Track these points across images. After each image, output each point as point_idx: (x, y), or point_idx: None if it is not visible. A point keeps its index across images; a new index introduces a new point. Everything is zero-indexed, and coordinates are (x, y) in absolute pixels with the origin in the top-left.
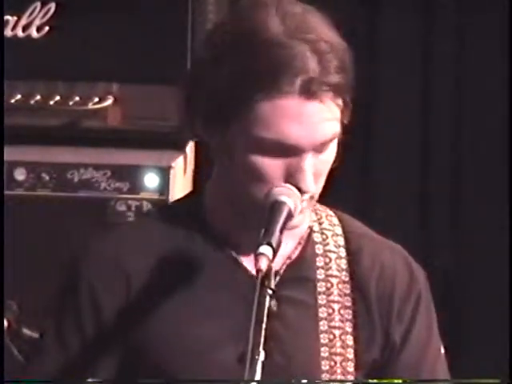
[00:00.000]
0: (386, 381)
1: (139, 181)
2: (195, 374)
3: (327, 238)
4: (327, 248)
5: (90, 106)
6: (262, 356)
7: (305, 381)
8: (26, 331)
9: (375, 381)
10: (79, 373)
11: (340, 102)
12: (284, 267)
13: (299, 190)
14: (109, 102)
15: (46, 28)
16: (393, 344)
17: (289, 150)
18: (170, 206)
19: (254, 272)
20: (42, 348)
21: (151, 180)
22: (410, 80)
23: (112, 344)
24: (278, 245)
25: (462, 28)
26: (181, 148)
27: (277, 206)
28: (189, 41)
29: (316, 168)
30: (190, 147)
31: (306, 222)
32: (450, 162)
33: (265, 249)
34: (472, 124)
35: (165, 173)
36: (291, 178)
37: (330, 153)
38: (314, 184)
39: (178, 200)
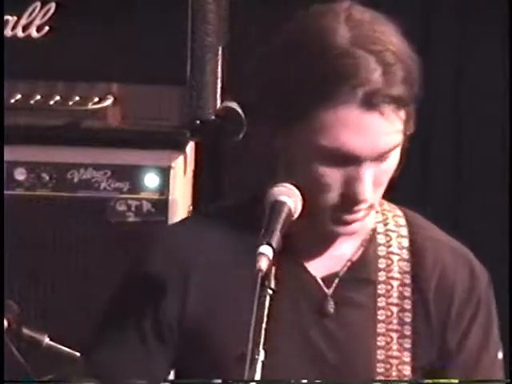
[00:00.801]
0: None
1: (139, 181)
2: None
3: (391, 239)
4: (390, 250)
5: (90, 106)
6: (261, 356)
7: (305, 381)
8: (26, 331)
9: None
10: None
11: (402, 114)
12: (345, 269)
13: (356, 200)
14: (109, 102)
15: (46, 28)
16: (449, 348)
17: (348, 160)
18: (235, 207)
19: (316, 275)
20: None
21: (151, 180)
22: None
23: (172, 344)
24: (278, 245)
25: (461, 31)
26: (181, 148)
27: (277, 205)
28: (189, 41)
29: (376, 177)
30: (190, 147)
31: (365, 228)
32: (450, 166)
33: (265, 249)
34: (472, 128)
35: (165, 173)
36: (349, 187)
37: (392, 162)
38: (373, 193)
39: (241, 201)
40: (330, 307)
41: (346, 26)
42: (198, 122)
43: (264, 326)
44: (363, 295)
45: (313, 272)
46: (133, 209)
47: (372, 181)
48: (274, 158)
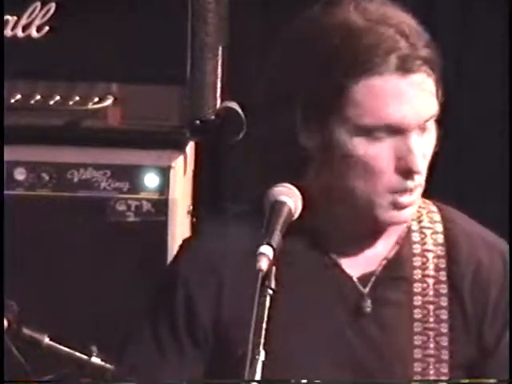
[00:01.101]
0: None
1: (139, 181)
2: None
3: (426, 236)
4: (425, 247)
5: (90, 105)
6: (262, 356)
7: (304, 381)
8: (26, 331)
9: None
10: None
11: (434, 79)
12: (380, 268)
13: (411, 171)
14: (109, 101)
15: (46, 28)
16: (487, 344)
17: (394, 132)
18: (252, 210)
19: (352, 275)
20: (137, 345)
21: (151, 180)
22: None
23: (203, 347)
24: (279, 245)
25: (462, 28)
26: (181, 148)
27: (277, 205)
28: (189, 41)
29: (423, 150)
30: (190, 147)
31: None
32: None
33: (265, 249)
34: (472, 128)
35: (165, 173)
36: (400, 161)
37: (431, 134)
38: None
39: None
40: (367, 307)
41: (356, 12)
42: (197, 121)
43: (264, 326)
44: (399, 294)
45: (349, 272)
46: (133, 209)
47: (421, 153)
48: (300, 157)
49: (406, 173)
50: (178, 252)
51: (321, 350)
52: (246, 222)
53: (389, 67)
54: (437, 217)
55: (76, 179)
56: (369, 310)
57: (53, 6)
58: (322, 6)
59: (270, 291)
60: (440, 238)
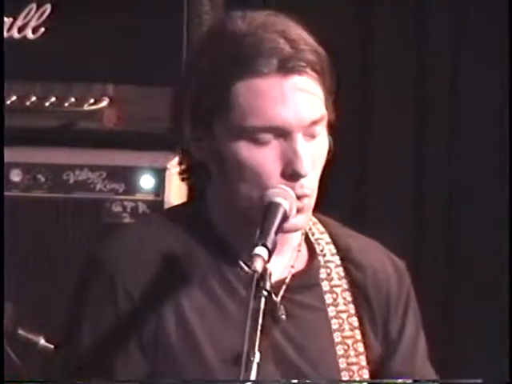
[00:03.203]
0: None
1: (135, 182)
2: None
3: (323, 247)
4: (326, 258)
5: (86, 107)
6: (257, 357)
7: (295, 381)
8: (21, 332)
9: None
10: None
11: (320, 84)
12: (290, 276)
13: (297, 175)
14: (104, 103)
15: (42, 29)
16: (391, 338)
17: (278, 134)
18: (177, 209)
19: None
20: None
21: (147, 181)
22: (404, 86)
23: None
24: (274, 246)
25: (458, 29)
26: (176, 149)
27: (272, 207)
28: (184, 42)
29: (312, 156)
30: None
31: (297, 234)
32: (444, 170)
33: (260, 250)
34: (467, 131)
35: (160, 174)
36: (287, 164)
37: (322, 142)
38: (312, 174)
39: (184, 204)
40: (282, 314)
41: (241, 20)
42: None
43: (260, 327)
44: (313, 299)
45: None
46: (128, 210)
47: (309, 158)
48: (206, 163)
49: (293, 176)
50: (104, 246)
51: (222, 350)
52: (171, 221)
53: (270, 68)
54: (321, 227)
55: (72, 180)
56: (284, 317)
57: (48, 7)
58: (216, 22)
59: (265, 292)
60: (332, 248)
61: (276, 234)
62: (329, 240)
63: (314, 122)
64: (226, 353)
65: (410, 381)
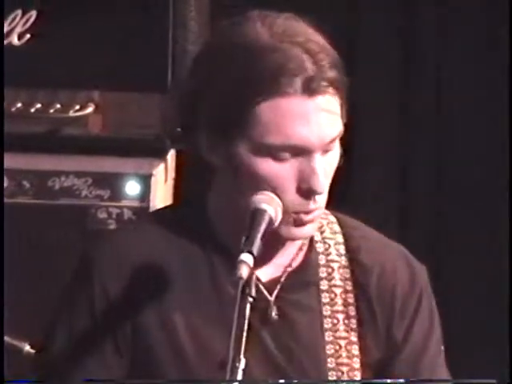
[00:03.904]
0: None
1: (120, 188)
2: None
3: (329, 247)
4: (330, 258)
5: (71, 113)
6: (242, 364)
7: (284, 381)
8: (6, 339)
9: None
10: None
11: (338, 98)
12: (285, 275)
13: (313, 192)
14: (90, 109)
15: (27, 35)
16: (395, 343)
17: (298, 152)
18: (172, 213)
19: (258, 283)
20: (54, 339)
21: (132, 188)
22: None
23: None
24: (259, 252)
25: (445, 31)
26: (162, 156)
27: (258, 213)
28: (170, 49)
29: (325, 169)
30: (171, 155)
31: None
32: (430, 170)
33: (245, 256)
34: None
35: (146, 180)
36: (303, 181)
37: (335, 153)
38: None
39: (176, 207)
40: (274, 314)
41: (264, 27)
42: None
43: (245, 334)
44: (308, 298)
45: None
46: (114, 216)
47: (324, 173)
48: (209, 172)
49: (309, 193)
50: (96, 254)
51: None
52: (160, 224)
53: (294, 88)
54: (336, 227)
55: (57, 187)
56: (276, 317)
57: (34, 13)
58: (232, 23)
59: (251, 299)
60: (342, 249)
61: (262, 240)
62: (341, 241)
63: (333, 140)
64: (212, 358)
65: (402, 380)
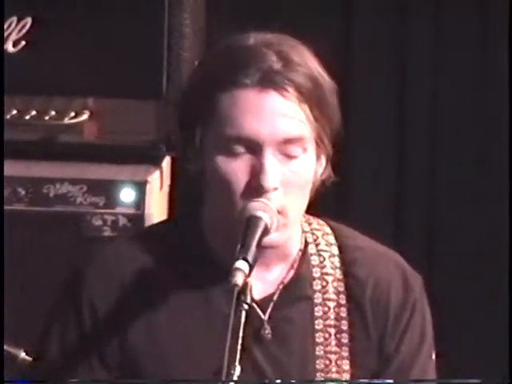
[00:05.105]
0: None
1: (115, 195)
2: None
3: (324, 259)
4: (324, 271)
5: (66, 120)
6: (237, 371)
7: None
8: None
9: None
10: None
11: (306, 108)
12: (278, 292)
13: (261, 189)
14: (85, 116)
15: (23, 43)
16: (387, 354)
17: (250, 147)
18: (166, 228)
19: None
20: (46, 351)
21: (127, 195)
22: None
23: (108, 349)
24: (255, 260)
25: (439, 32)
26: (157, 163)
27: (253, 221)
28: (165, 55)
29: (284, 176)
30: (167, 162)
31: (285, 243)
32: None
33: (241, 264)
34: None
35: (141, 187)
36: (254, 178)
37: (302, 165)
38: (283, 194)
39: (171, 222)
40: (268, 333)
41: (253, 37)
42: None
43: (240, 341)
44: (299, 312)
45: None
46: (109, 223)
47: (278, 176)
48: (199, 185)
49: (258, 190)
50: (86, 267)
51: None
52: (157, 239)
53: (252, 80)
54: (331, 239)
55: (52, 194)
56: (269, 336)
57: (29, 20)
58: (236, 36)
59: (246, 306)
60: (337, 261)
61: (257, 247)
62: (336, 253)
63: (288, 141)
64: (202, 372)
65: (390, 381)
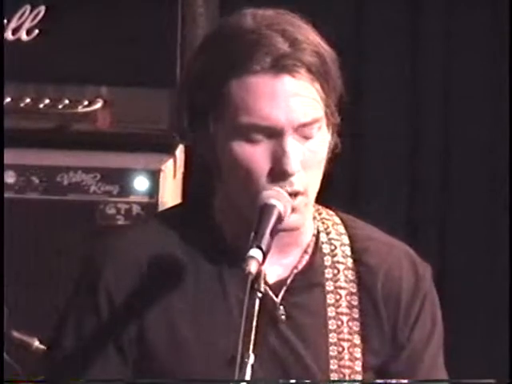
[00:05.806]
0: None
1: (129, 184)
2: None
3: (336, 248)
4: (335, 259)
5: (80, 109)
6: (251, 359)
7: (293, 381)
8: (16, 334)
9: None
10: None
11: (318, 86)
12: (292, 276)
13: (285, 173)
14: (98, 105)
15: (36, 31)
16: (399, 343)
17: (270, 134)
18: (178, 213)
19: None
20: (61, 342)
21: (141, 183)
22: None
23: (123, 341)
24: (268, 248)
25: (451, 29)
26: (170, 151)
27: (266, 209)
28: (178, 44)
29: (304, 156)
30: (180, 150)
31: (304, 224)
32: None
33: (255, 252)
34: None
35: (154, 176)
36: (276, 164)
37: (319, 143)
38: (304, 176)
39: (183, 207)
40: (281, 315)
41: (250, 17)
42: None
43: (254, 329)
44: (314, 300)
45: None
46: (122, 212)
47: (299, 158)
48: (210, 171)
49: (282, 175)
50: (101, 254)
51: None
52: (171, 225)
53: (264, 66)
54: (341, 229)
55: (66, 182)
56: (283, 317)
57: (42, 9)
58: (226, 17)
59: (259, 294)
60: (348, 250)
61: (271, 235)
62: (346, 242)
63: (306, 124)
64: (219, 356)
65: (405, 381)
